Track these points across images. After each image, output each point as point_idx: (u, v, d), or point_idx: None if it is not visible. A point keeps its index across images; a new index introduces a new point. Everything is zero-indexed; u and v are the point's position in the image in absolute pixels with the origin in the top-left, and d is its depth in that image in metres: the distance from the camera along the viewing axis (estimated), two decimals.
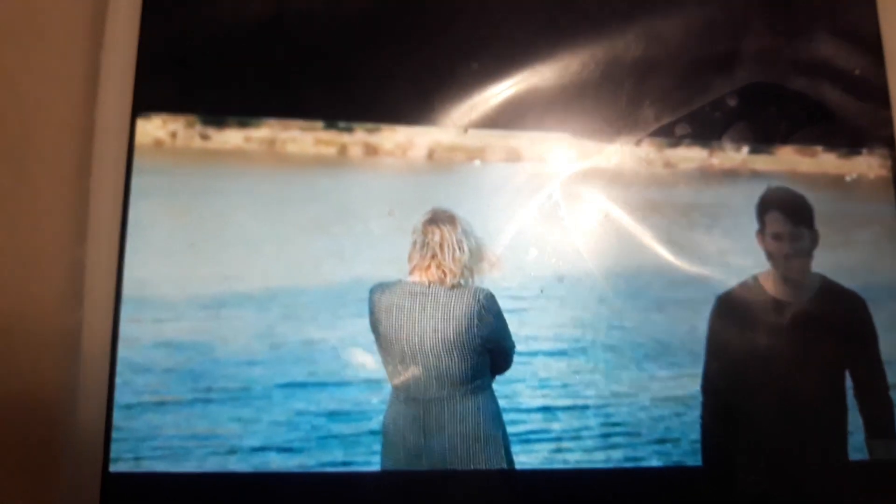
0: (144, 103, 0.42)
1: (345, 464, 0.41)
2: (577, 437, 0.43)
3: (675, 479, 0.43)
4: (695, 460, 0.43)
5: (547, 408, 0.43)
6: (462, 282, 0.44)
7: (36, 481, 0.38)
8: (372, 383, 0.42)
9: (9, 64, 0.38)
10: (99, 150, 0.40)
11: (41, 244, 0.39)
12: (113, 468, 0.39)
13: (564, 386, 0.43)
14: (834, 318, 0.46)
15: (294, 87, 0.45)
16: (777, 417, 0.44)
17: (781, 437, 0.44)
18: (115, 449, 0.39)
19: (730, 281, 0.46)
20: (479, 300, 0.43)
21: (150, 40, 0.42)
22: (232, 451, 0.40)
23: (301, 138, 0.45)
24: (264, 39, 0.45)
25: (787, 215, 0.47)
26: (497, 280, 0.44)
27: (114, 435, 0.39)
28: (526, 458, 0.42)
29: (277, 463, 0.41)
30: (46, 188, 0.39)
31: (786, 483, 0.44)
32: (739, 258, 0.46)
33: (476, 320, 0.43)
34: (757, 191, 0.47)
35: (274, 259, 0.43)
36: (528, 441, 0.43)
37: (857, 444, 0.45)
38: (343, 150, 0.45)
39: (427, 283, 0.44)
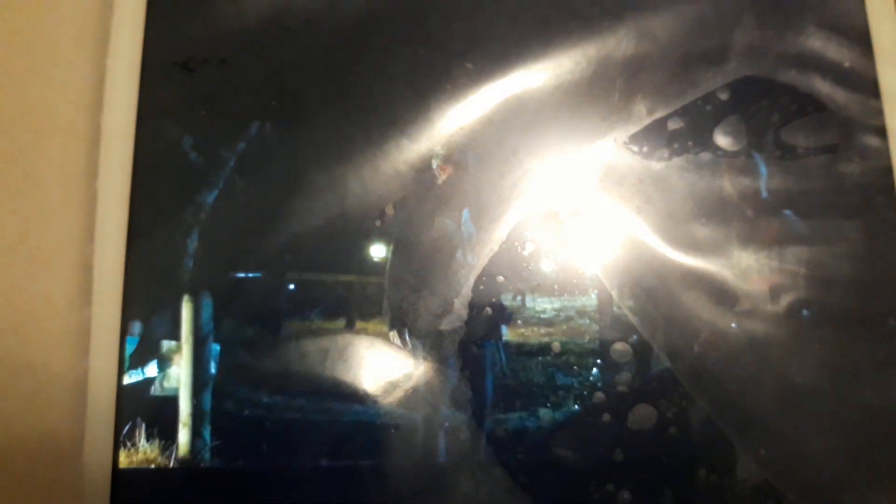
0: (149, 108, 0.43)
1: None
2: None
3: None
4: None
5: None
6: None
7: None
8: None
9: (17, 70, 0.40)
10: (105, 153, 0.42)
11: (50, 244, 0.40)
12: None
13: None
14: None
15: (295, 92, 0.46)
16: None
17: None
18: None
19: None
20: None
21: (155, 47, 0.44)
22: None
23: None
24: (266, 46, 0.46)
25: None
26: None
27: None
28: None
29: None
30: (55, 190, 0.40)
31: None
32: None
33: None
34: None
35: None
36: None
37: None
38: None
39: None
